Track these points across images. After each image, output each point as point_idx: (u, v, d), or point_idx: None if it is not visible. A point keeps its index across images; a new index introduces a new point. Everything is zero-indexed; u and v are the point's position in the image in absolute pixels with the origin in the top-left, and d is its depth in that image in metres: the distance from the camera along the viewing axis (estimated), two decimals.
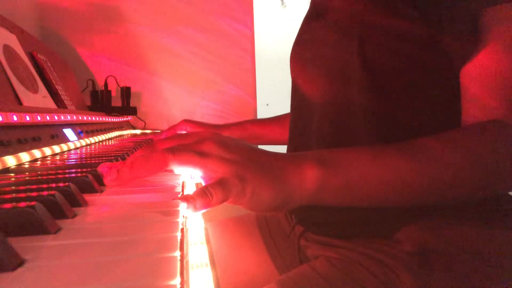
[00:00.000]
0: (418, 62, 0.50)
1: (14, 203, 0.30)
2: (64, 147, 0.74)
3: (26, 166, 0.57)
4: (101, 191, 0.45)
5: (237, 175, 0.37)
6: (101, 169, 0.48)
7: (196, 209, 0.34)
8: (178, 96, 1.72)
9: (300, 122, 0.65)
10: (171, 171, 0.39)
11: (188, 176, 0.54)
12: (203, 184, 0.39)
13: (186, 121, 1.06)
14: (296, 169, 0.40)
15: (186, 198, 0.35)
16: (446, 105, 0.51)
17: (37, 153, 0.62)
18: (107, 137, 1.09)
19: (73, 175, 0.48)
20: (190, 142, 0.40)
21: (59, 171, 0.51)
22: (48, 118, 0.70)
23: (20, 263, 0.24)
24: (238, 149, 0.39)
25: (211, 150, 0.38)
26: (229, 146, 0.39)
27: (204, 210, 0.36)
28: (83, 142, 0.87)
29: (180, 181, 0.51)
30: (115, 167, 0.39)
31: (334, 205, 0.44)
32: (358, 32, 0.51)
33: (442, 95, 0.51)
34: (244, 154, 0.39)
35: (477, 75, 0.46)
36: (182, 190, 0.46)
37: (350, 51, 0.52)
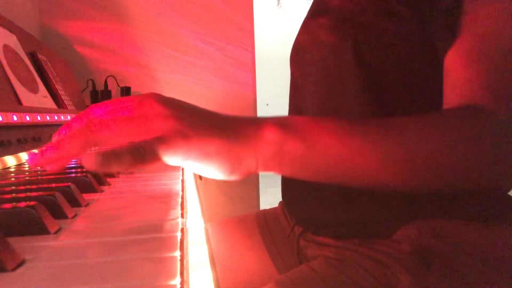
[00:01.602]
0: (412, 61, 0.50)
1: (14, 203, 0.30)
2: None
3: (26, 166, 0.57)
4: (101, 191, 0.45)
5: (179, 131, 0.33)
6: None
7: (119, 166, 0.30)
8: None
9: None
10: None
11: (188, 173, 0.54)
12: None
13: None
14: (253, 129, 0.37)
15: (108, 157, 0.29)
16: (438, 102, 0.51)
17: None
18: None
19: (73, 175, 0.48)
20: (123, 107, 0.34)
21: (59, 171, 0.51)
22: (48, 118, 0.70)
23: (20, 263, 0.24)
24: (183, 106, 0.35)
25: (147, 110, 0.33)
26: (170, 103, 0.34)
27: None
28: None
29: (179, 180, 0.51)
30: (43, 150, 0.32)
31: (290, 175, 0.40)
32: (353, 32, 0.52)
33: (437, 92, 0.51)
34: (190, 111, 0.35)
35: (460, 61, 0.45)
36: (182, 188, 0.47)
37: (346, 51, 0.52)
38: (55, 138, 0.34)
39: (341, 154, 0.38)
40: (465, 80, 0.44)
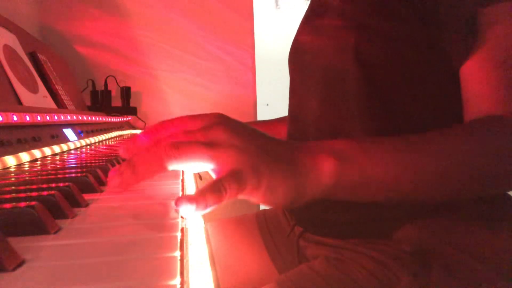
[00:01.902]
0: (415, 63, 0.50)
1: (14, 203, 0.30)
2: (64, 147, 0.74)
3: (26, 166, 0.57)
4: (101, 191, 0.45)
5: (252, 166, 0.33)
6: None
7: (206, 207, 0.31)
8: (178, 96, 1.72)
9: (298, 123, 0.65)
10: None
11: (188, 174, 0.54)
12: (213, 177, 0.35)
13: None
14: (311, 161, 0.37)
15: (196, 199, 0.30)
16: (443, 104, 0.51)
17: (37, 153, 0.62)
18: (107, 137, 1.09)
19: (73, 175, 0.47)
20: (194, 129, 0.35)
21: (59, 171, 0.51)
22: (48, 118, 0.70)
23: (20, 263, 0.24)
24: (250, 136, 0.35)
25: (220, 138, 0.34)
26: (239, 133, 0.35)
27: (212, 208, 0.32)
28: (83, 142, 0.87)
29: (179, 180, 0.51)
30: (118, 171, 0.33)
31: (348, 199, 0.41)
32: (354, 34, 0.51)
33: (438, 95, 0.51)
34: (257, 142, 0.35)
35: (476, 73, 0.46)
36: (182, 188, 0.46)
37: (347, 53, 0.52)
38: (125, 153, 0.35)
39: (398, 177, 0.40)
40: (486, 90, 0.46)
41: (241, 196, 0.34)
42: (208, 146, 0.33)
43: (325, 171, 0.37)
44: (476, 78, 0.46)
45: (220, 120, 0.35)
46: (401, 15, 0.49)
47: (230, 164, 0.33)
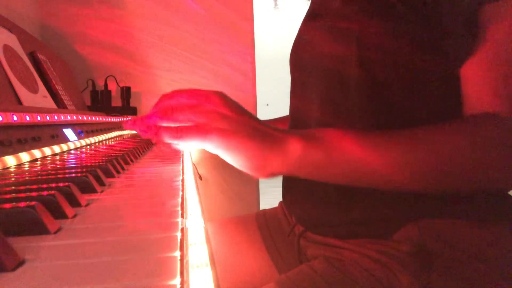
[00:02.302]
0: (416, 63, 0.50)
1: (14, 203, 0.30)
2: (64, 147, 0.74)
3: (26, 166, 0.57)
4: (101, 191, 0.45)
5: (222, 130, 0.43)
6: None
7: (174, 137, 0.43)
8: None
9: (299, 123, 0.65)
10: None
11: (187, 174, 0.55)
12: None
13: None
14: (282, 137, 0.44)
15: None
16: (444, 104, 0.51)
17: (37, 153, 0.62)
18: (107, 137, 1.09)
19: (73, 175, 0.47)
20: (193, 108, 0.44)
21: (59, 171, 0.51)
22: (48, 118, 0.70)
23: (20, 263, 0.24)
24: (237, 118, 0.44)
25: (210, 121, 0.43)
26: (228, 103, 0.44)
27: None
28: (83, 142, 0.87)
29: (179, 180, 0.51)
30: (144, 122, 0.46)
31: (312, 178, 0.47)
32: (356, 34, 0.51)
33: (440, 95, 0.51)
34: (241, 120, 0.44)
35: (474, 72, 0.47)
36: (182, 188, 0.47)
37: (348, 53, 0.52)
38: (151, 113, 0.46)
39: (358, 164, 0.44)
40: (484, 88, 0.46)
41: (207, 147, 0.44)
42: (204, 134, 0.42)
43: (291, 146, 0.44)
44: (474, 78, 0.47)
45: (218, 93, 0.45)
46: (402, 15, 0.49)
47: (209, 120, 0.43)
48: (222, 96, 0.45)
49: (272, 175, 0.45)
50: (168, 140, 0.44)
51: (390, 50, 0.50)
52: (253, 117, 0.45)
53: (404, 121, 0.52)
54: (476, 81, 0.46)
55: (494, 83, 0.45)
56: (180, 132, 0.43)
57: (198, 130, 0.43)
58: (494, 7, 0.45)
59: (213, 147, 0.43)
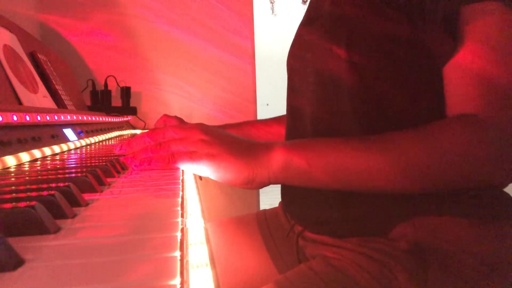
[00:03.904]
0: (404, 63, 0.51)
1: (14, 203, 0.30)
2: (64, 147, 0.74)
3: (26, 166, 0.57)
4: (101, 191, 0.45)
5: (208, 153, 0.48)
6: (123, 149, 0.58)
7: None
8: (178, 96, 1.72)
9: (295, 123, 0.65)
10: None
11: (188, 174, 0.55)
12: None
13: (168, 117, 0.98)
14: (264, 149, 0.49)
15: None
16: (434, 103, 0.51)
17: (37, 153, 0.62)
18: (107, 137, 1.09)
19: (73, 175, 0.47)
20: (182, 139, 0.51)
21: (59, 171, 0.51)
22: (48, 118, 0.70)
23: (20, 263, 0.24)
24: (220, 142, 0.49)
25: (199, 149, 0.49)
26: (209, 132, 0.50)
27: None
28: (83, 142, 0.87)
29: (179, 180, 0.51)
30: (131, 149, 0.55)
31: (299, 185, 0.50)
32: (345, 36, 0.52)
33: (429, 94, 0.51)
34: (224, 143, 0.49)
35: (456, 71, 0.47)
36: (182, 189, 0.47)
37: (338, 55, 0.53)
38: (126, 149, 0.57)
39: (337, 170, 0.47)
40: (460, 90, 0.47)
41: (197, 172, 0.50)
42: (191, 158, 0.49)
43: (275, 157, 0.48)
44: (453, 77, 0.47)
45: (198, 125, 0.52)
46: (389, 16, 0.50)
47: (194, 148, 0.49)
48: (203, 127, 0.51)
49: (261, 185, 0.49)
50: (160, 166, 0.50)
51: (379, 51, 0.51)
52: (234, 137, 0.51)
53: (395, 119, 0.52)
54: (455, 81, 0.47)
55: (472, 83, 0.45)
56: (174, 159, 0.49)
57: (190, 156, 0.48)
58: (472, 7, 0.46)
59: (204, 170, 0.49)
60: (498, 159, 0.44)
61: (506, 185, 0.52)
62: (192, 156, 0.48)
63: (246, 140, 0.51)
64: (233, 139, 0.50)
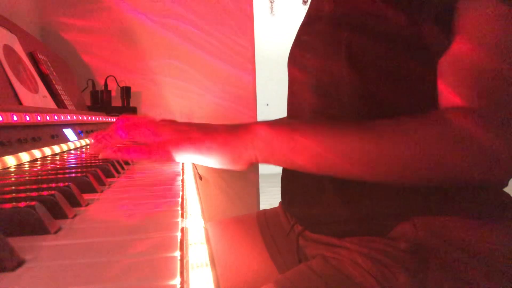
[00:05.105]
0: (404, 61, 0.51)
1: (14, 203, 0.30)
2: (64, 147, 0.74)
3: (26, 166, 0.57)
4: (101, 191, 0.45)
5: (184, 137, 0.47)
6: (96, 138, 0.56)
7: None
8: (178, 96, 1.72)
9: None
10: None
11: (187, 174, 0.55)
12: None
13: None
14: (246, 128, 0.48)
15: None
16: (433, 101, 0.51)
17: (37, 153, 0.62)
18: None
19: (73, 175, 0.47)
20: (156, 133, 0.50)
21: (59, 171, 0.51)
22: (48, 118, 0.70)
23: (20, 263, 0.24)
24: (197, 127, 0.49)
25: (177, 136, 0.48)
26: (189, 130, 0.49)
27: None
28: (83, 142, 0.87)
29: (179, 180, 0.51)
30: (105, 141, 0.52)
31: (285, 166, 0.50)
32: (345, 36, 0.52)
33: (428, 91, 0.51)
34: (202, 127, 0.49)
35: (450, 63, 0.47)
36: (182, 188, 0.47)
37: (338, 56, 0.53)
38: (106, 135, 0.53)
39: (317, 152, 0.46)
40: (451, 83, 0.46)
41: (181, 159, 0.48)
42: (163, 150, 0.48)
43: (257, 133, 0.47)
44: (446, 71, 0.47)
45: (167, 120, 0.52)
46: (389, 15, 0.50)
47: (168, 137, 0.48)
48: (169, 120, 0.51)
49: (248, 163, 0.48)
50: (137, 158, 0.49)
51: (380, 50, 0.51)
52: (210, 123, 0.51)
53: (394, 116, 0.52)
54: (446, 73, 0.47)
55: (464, 76, 0.45)
56: (151, 149, 0.47)
57: (171, 143, 0.47)
58: (468, 1, 0.45)
59: (188, 154, 0.47)
60: (488, 151, 0.42)
61: (505, 184, 0.52)
62: (173, 143, 0.47)
63: (224, 124, 0.50)
64: (210, 124, 0.50)
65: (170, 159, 0.48)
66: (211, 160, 0.48)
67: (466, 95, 0.44)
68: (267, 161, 0.48)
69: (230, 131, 0.48)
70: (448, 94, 0.46)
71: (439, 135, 0.43)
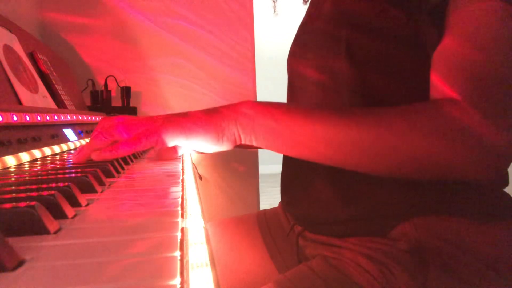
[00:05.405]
0: (403, 58, 0.51)
1: (14, 203, 0.30)
2: (64, 147, 0.74)
3: (26, 166, 0.57)
4: (101, 191, 0.45)
5: (168, 121, 0.49)
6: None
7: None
8: (178, 96, 1.72)
9: None
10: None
11: (187, 174, 0.55)
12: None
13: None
14: (229, 107, 0.49)
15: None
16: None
17: (37, 153, 0.62)
18: None
19: (73, 175, 0.47)
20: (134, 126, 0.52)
21: (59, 171, 0.51)
22: (48, 118, 0.70)
23: (20, 263, 0.24)
24: (176, 114, 0.52)
25: (161, 122, 0.50)
26: (171, 117, 0.51)
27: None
28: (83, 142, 0.87)
29: (179, 180, 0.51)
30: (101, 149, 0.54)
31: (268, 148, 0.49)
32: (345, 35, 0.53)
33: (427, 90, 0.51)
34: (181, 114, 0.51)
35: (441, 56, 0.47)
36: (182, 188, 0.47)
37: (338, 54, 0.53)
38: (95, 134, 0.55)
39: (299, 135, 0.46)
40: (439, 75, 0.46)
41: (171, 142, 0.51)
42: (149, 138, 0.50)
43: (241, 111, 0.48)
44: (436, 63, 0.47)
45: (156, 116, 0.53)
46: (389, 13, 0.50)
47: (156, 126, 0.50)
48: (157, 116, 0.53)
49: (232, 140, 0.49)
50: (127, 152, 0.51)
51: (379, 48, 0.52)
52: (192, 111, 0.52)
53: None
54: (437, 67, 0.47)
55: (453, 67, 0.45)
56: (139, 136, 0.49)
57: (159, 128, 0.48)
58: None
59: (171, 139, 0.49)
60: (474, 138, 0.42)
61: (505, 184, 0.52)
62: (153, 130, 0.48)
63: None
64: (189, 111, 0.52)
65: (159, 143, 0.49)
66: (198, 141, 0.49)
67: (454, 85, 0.44)
68: (249, 140, 0.49)
69: (214, 110, 0.50)
70: (437, 85, 0.46)
71: (426, 123, 0.43)
